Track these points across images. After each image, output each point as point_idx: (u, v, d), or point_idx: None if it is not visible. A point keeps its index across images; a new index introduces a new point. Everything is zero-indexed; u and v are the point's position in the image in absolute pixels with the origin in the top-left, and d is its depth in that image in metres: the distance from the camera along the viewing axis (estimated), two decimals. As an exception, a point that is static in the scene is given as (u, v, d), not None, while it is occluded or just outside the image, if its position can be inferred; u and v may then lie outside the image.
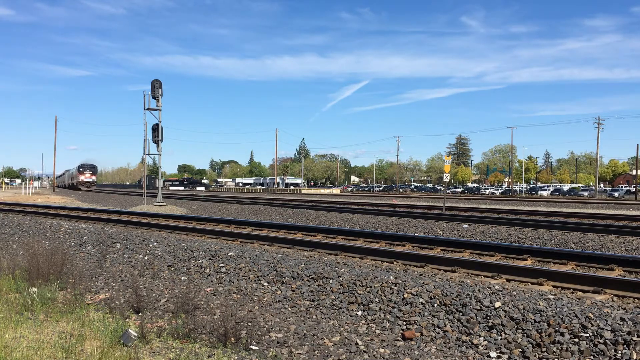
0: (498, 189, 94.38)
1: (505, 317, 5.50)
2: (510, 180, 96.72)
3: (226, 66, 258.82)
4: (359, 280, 7.04)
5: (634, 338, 4.74)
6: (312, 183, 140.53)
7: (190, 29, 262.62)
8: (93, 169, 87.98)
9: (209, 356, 4.87)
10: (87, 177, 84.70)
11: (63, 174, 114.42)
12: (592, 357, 4.68)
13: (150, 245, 10.80)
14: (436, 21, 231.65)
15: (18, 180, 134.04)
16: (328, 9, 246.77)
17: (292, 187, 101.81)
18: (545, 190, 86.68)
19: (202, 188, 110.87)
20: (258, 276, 7.99)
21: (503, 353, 4.99)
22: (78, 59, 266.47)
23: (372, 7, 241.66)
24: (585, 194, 77.76)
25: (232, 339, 5.28)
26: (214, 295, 7.39)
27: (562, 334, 5.01)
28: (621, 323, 5.02)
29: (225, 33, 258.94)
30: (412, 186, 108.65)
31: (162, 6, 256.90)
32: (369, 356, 5.06)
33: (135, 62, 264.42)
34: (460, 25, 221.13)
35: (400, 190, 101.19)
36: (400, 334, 5.67)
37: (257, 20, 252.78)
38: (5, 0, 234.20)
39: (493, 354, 4.99)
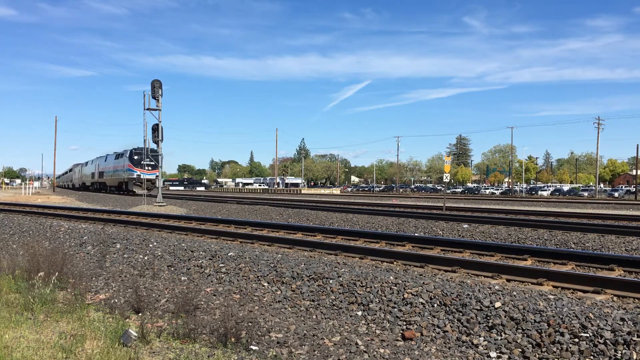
0: (498, 189, 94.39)
1: (505, 317, 5.50)
2: (510, 180, 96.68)
3: (228, 66, 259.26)
4: (359, 280, 7.04)
5: (634, 338, 4.74)
6: (312, 183, 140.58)
7: (192, 29, 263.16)
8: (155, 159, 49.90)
9: (209, 356, 4.87)
10: (148, 170, 48.47)
11: (71, 169, 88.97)
12: (592, 357, 4.68)
13: (150, 246, 10.80)
14: (438, 21, 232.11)
15: (18, 181, 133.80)
16: (330, 9, 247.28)
17: (292, 188, 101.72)
18: (545, 190, 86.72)
19: (202, 188, 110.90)
20: (258, 276, 7.99)
21: (503, 353, 4.99)
22: (80, 59, 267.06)
23: (374, 7, 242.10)
24: (585, 194, 77.85)
25: (232, 339, 5.28)
26: (214, 295, 7.39)
27: (562, 334, 5.01)
28: (621, 323, 5.02)
29: (227, 33, 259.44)
30: (412, 186, 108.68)
31: (164, 6, 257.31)
32: (369, 356, 5.06)
33: (137, 62, 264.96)
34: (462, 25, 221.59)
35: (400, 190, 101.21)
36: (400, 334, 5.67)
37: (260, 20, 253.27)
38: (7, 0, 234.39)
39: (493, 354, 4.99)
